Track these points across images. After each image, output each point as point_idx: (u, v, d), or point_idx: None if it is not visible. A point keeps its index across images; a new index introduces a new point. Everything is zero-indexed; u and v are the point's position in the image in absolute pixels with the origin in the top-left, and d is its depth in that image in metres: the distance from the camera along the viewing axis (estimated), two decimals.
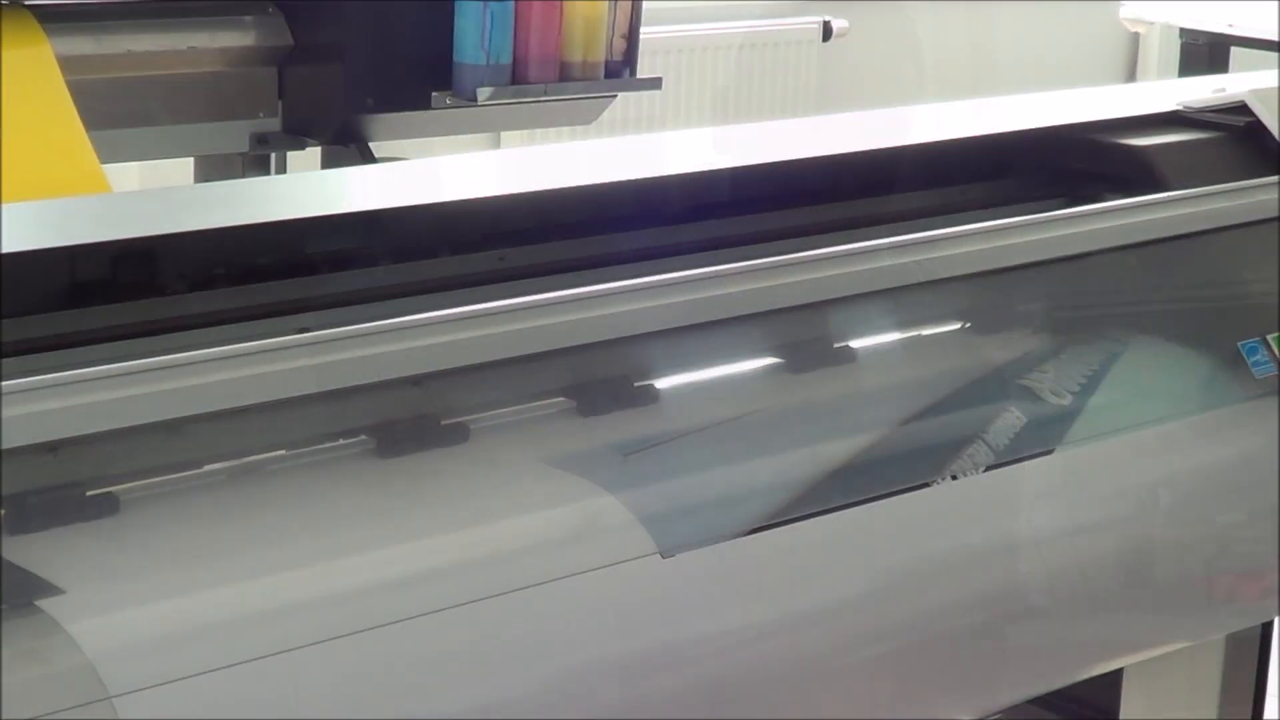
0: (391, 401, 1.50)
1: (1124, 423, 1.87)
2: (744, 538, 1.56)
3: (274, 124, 3.33)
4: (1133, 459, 1.87)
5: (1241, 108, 2.15)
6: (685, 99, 5.15)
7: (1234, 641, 2.21)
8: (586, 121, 3.60)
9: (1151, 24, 5.22)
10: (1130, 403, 1.90)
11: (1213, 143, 2.15)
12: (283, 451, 1.49)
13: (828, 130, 2.16)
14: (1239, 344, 1.99)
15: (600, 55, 3.37)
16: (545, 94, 3.31)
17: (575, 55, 3.34)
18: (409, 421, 1.52)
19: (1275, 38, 4.69)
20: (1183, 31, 5.00)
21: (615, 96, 3.52)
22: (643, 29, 3.48)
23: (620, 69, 3.45)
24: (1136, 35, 6.01)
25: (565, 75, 3.35)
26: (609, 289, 1.57)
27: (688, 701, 1.53)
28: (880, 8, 5.62)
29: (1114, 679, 2.12)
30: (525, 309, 1.51)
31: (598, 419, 1.60)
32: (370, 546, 1.43)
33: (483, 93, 3.24)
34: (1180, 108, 2.18)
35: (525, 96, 3.29)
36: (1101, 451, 1.84)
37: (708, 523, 1.55)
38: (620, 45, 3.43)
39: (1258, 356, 1.99)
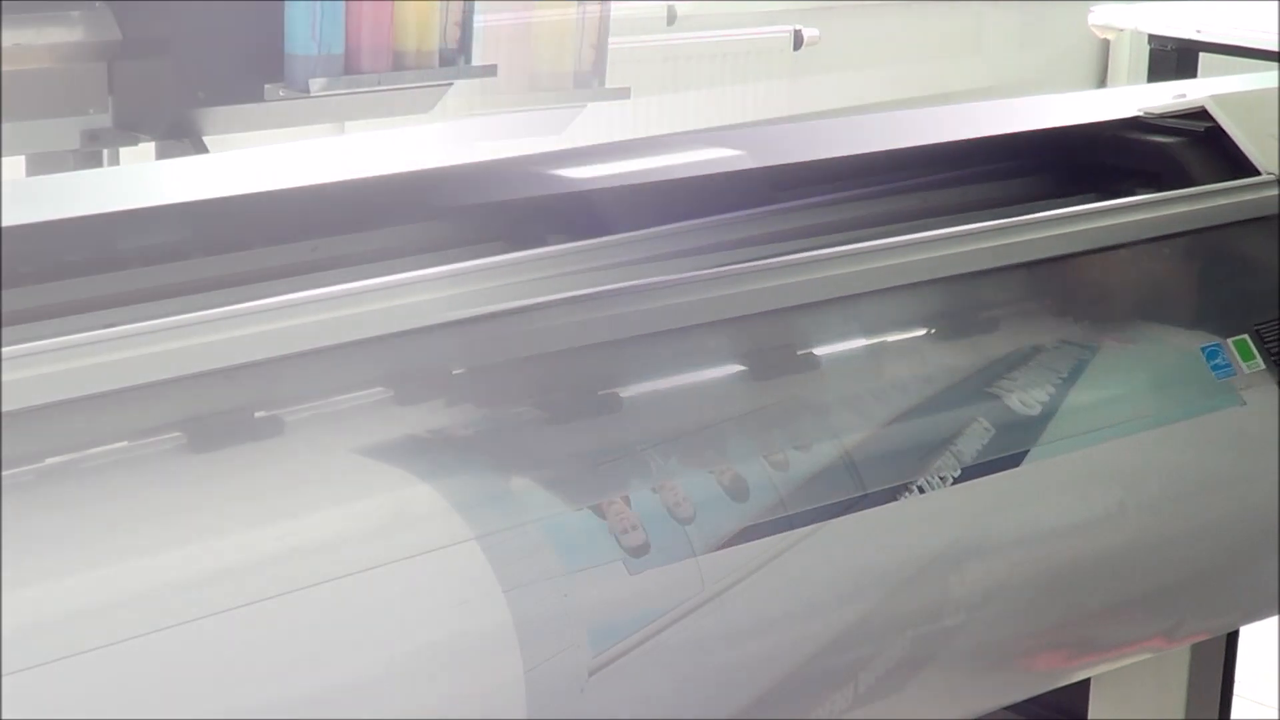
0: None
1: (1092, 431, 1.86)
2: (708, 554, 1.56)
3: (105, 120, 3.27)
4: (1101, 469, 1.86)
5: (1202, 113, 2.16)
6: (655, 108, 5.16)
7: (1199, 647, 2.22)
8: (425, 110, 3.53)
9: (1121, 30, 5.23)
10: (1097, 410, 1.90)
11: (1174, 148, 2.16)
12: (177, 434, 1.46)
13: (796, 137, 2.15)
14: (1200, 347, 1.99)
15: (434, 44, 3.34)
16: (379, 83, 3.29)
17: (409, 44, 3.31)
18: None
19: (1242, 43, 4.71)
20: (1151, 38, 5.02)
21: (451, 84, 3.47)
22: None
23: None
24: (1107, 42, 6.03)
25: (399, 64, 3.32)
26: (589, 294, 1.57)
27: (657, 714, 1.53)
28: (851, 17, 5.63)
29: (1082, 684, 2.12)
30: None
31: (563, 427, 1.60)
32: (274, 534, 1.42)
33: (315, 83, 3.21)
34: (1141, 114, 2.19)
35: (358, 86, 3.27)
36: (1070, 462, 1.83)
37: (673, 538, 1.55)
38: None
39: (1218, 360, 1.98)
